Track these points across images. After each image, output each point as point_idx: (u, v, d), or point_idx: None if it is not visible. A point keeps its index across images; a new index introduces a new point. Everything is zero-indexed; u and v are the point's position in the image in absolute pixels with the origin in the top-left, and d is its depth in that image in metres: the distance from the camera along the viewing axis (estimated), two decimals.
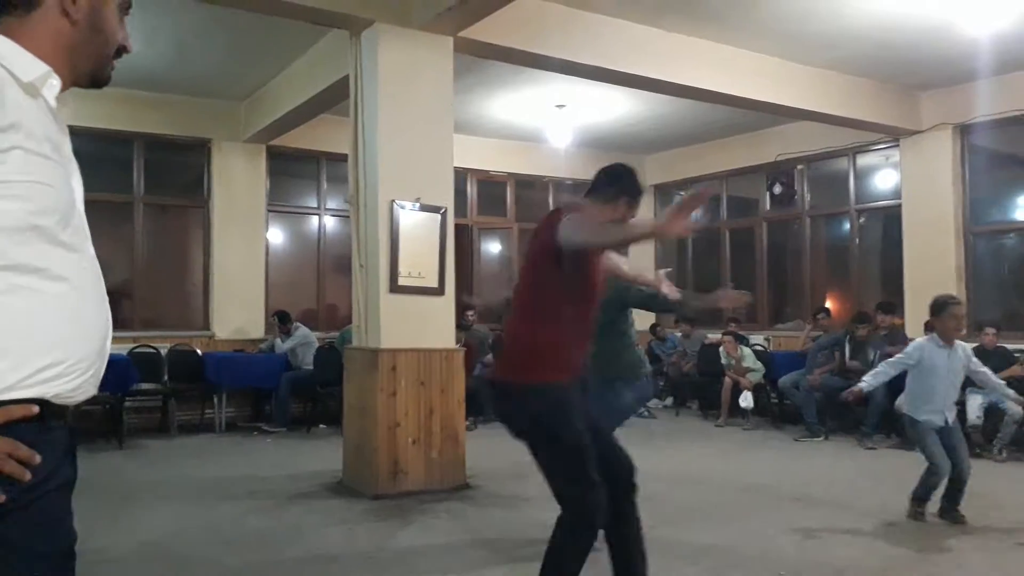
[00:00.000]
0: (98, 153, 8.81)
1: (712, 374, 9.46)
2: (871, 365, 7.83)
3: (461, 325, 8.24)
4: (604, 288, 3.18)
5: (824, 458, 7.08)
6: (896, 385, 7.62)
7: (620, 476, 2.82)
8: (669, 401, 10.42)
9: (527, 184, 11.23)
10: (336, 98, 6.94)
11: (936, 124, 8.64)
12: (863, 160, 9.68)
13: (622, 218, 3.01)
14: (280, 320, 8.74)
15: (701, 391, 9.96)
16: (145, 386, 7.95)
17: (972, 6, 6.10)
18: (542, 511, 3.92)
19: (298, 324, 8.83)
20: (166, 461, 6.77)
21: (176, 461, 6.77)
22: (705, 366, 9.77)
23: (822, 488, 5.74)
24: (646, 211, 12.05)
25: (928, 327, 5.53)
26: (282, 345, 8.69)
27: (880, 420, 7.61)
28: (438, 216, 5.78)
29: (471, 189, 10.77)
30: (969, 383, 7.16)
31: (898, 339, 8.08)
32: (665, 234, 2.36)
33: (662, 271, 3.70)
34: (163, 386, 8.26)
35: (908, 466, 6.61)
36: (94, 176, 9.78)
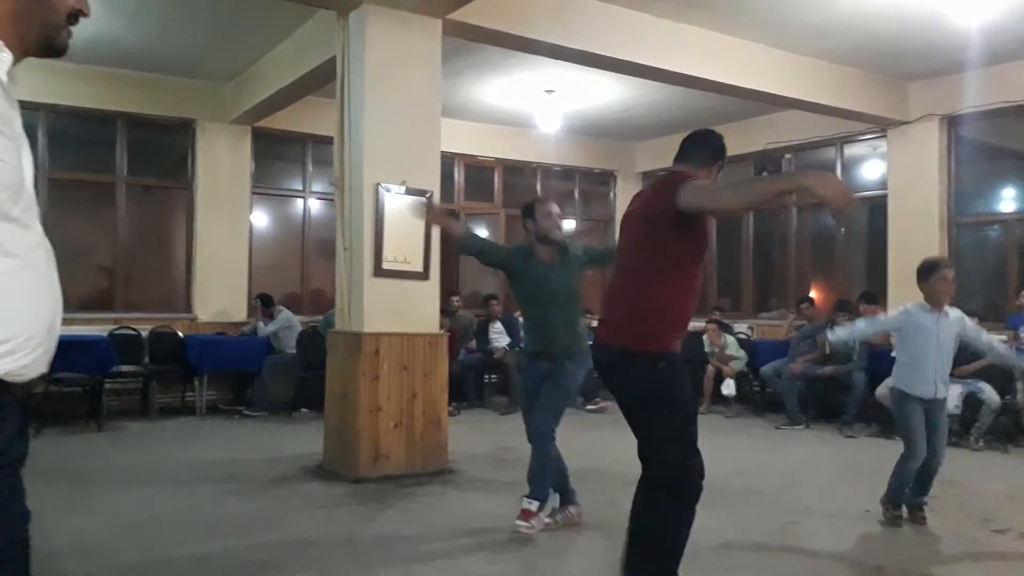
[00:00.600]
0: (80, 132, 8.71)
1: (695, 362, 9.46)
2: (851, 354, 7.91)
3: (446, 311, 8.22)
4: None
5: (805, 446, 7.13)
6: (876, 373, 7.71)
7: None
8: None
9: (515, 170, 11.18)
10: (323, 80, 6.86)
11: (924, 115, 8.65)
12: (851, 150, 9.69)
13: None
14: (263, 303, 8.69)
15: None
16: (125, 368, 7.88)
17: None
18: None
19: (281, 307, 8.78)
20: (146, 444, 6.72)
21: (156, 444, 6.73)
22: (688, 354, 9.77)
23: (802, 476, 5.78)
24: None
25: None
26: (265, 328, 8.64)
27: (861, 409, 7.66)
28: (424, 200, 5.74)
29: (459, 174, 10.71)
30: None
31: None
32: (824, 195, 2.24)
33: None
34: (144, 368, 8.19)
35: (888, 455, 6.67)
36: (76, 155, 9.63)
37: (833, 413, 8.05)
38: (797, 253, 10.19)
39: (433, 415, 5.63)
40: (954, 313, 4.36)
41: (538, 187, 11.26)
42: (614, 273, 3.12)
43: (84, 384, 7.40)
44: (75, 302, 8.07)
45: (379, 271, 5.56)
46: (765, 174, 10.26)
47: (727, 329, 9.49)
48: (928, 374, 4.27)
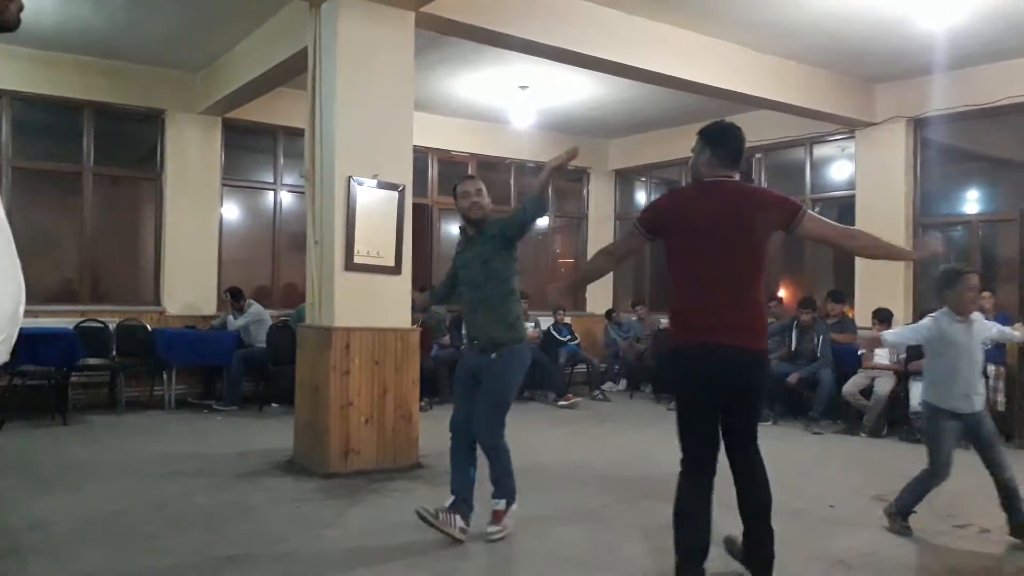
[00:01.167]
0: (46, 120, 8.55)
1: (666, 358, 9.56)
2: (816, 350, 8.02)
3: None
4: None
5: (771, 441, 7.05)
6: (842, 371, 7.82)
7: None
8: (623, 384, 10.53)
9: (489, 165, 11.17)
10: (294, 71, 6.81)
11: (890, 117, 8.80)
12: (820, 151, 9.82)
13: None
14: (233, 297, 8.60)
15: (654, 375, 10.06)
16: (92, 361, 7.76)
17: (928, 1, 6.19)
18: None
19: (251, 301, 8.70)
20: (112, 438, 6.63)
21: (122, 438, 6.63)
22: (659, 350, 9.87)
23: (769, 471, 5.83)
24: (606, 197, 12.10)
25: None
26: (234, 322, 8.56)
27: (828, 406, 7.78)
28: (396, 194, 5.72)
29: (432, 169, 10.68)
30: (913, 372, 7.36)
31: (848, 328, 8.27)
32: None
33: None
34: (111, 362, 8.07)
35: (851, 451, 6.79)
36: (42, 144, 9.42)
37: (800, 410, 8.16)
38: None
39: (404, 410, 5.62)
40: (977, 318, 4.20)
41: (511, 183, 11.28)
42: (701, 277, 3.12)
43: (49, 377, 7.27)
44: (41, 294, 7.93)
45: (350, 265, 5.53)
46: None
47: None
48: (961, 387, 4.04)
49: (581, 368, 10.29)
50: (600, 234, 11.97)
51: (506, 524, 3.93)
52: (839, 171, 9.84)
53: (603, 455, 6.42)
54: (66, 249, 8.69)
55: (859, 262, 9.00)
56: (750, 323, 3.11)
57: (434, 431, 6.05)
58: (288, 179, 9.59)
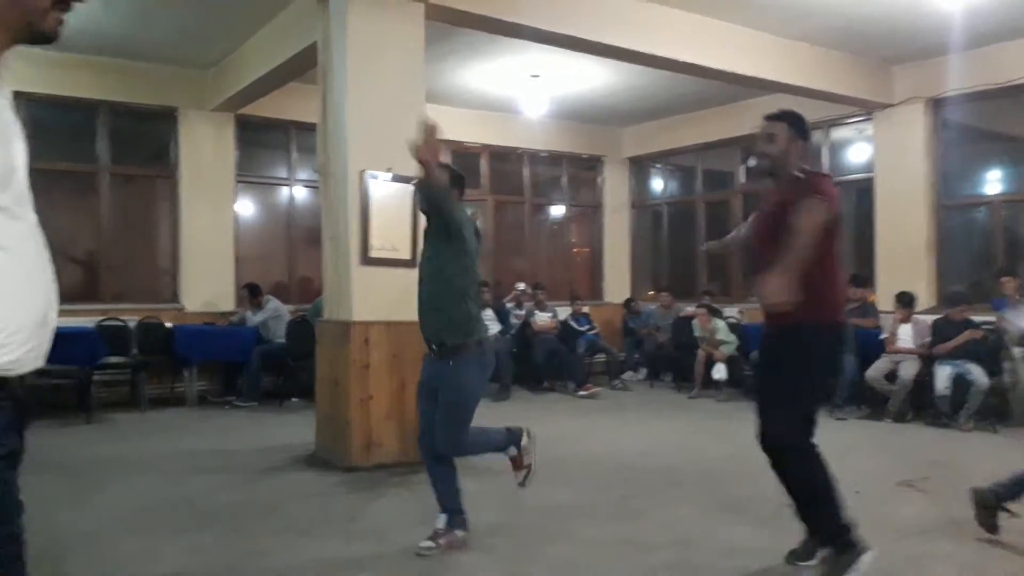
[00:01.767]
0: (61, 121, 8.59)
1: (686, 347, 9.52)
2: None
3: None
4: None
5: None
6: (866, 356, 7.74)
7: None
8: (643, 374, 10.49)
9: (502, 156, 11.13)
10: (305, 65, 6.79)
11: (908, 98, 8.67)
12: (837, 133, 9.71)
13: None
14: (250, 293, 8.64)
15: (675, 363, 10.02)
16: (114, 359, 7.81)
17: None
18: (514, 484, 3.93)
19: (269, 297, 8.74)
20: (136, 436, 6.68)
21: (146, 436, 6.69)
22: (679, 339, 9.84)
23: None
24: (621, 185, 12.03)
25: None
26: (253, 318, 8.60)
27: (851, 392, 7.70)
28: (410, 187, 5.70)
29: (445, 160, 10.64)
30: (938, 356, 7.28)
31: (869, 313, 8.17)
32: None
33: None
34: (132, 359, 8.12)
35: (876, 437, 6.73)
36: (57, 145, 9.45)
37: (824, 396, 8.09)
38: None
39: None
40: None
41: (525, 173, 11.23)
42: (840, 257, 3.38)
43: (72, 376, 7.33)
44: (61, 293, 7.89)
45: (366, 259, 5.52)
46: (752, 161, 10.25)
47: (717, 314, 9.51)
48: None
49: (600, 358, 10.26)
50: (615, 222, 11.92)
51: (441, 544, 3.67)
52: (857, 154, 9.73)
53: (625, 445, 6.39)
54: (84, 248, 8.75)
55: (879, 244, 8.91)
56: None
57: None
58: (302, 174, 9.61)
